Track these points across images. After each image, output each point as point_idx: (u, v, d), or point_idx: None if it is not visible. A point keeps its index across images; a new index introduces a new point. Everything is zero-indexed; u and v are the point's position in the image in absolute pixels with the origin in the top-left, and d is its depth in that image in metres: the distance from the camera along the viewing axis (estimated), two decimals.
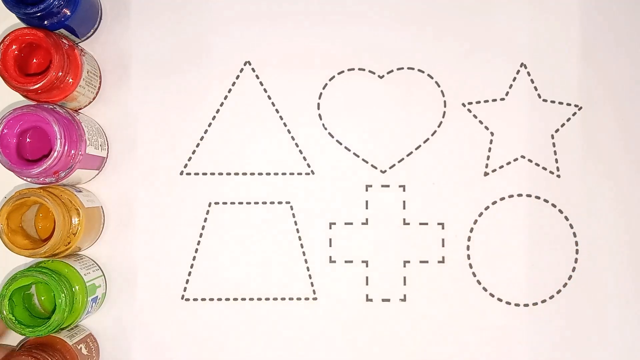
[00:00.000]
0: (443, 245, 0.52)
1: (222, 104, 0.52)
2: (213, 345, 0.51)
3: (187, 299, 0.51)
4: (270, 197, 0.51)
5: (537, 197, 0.52)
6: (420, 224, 0.52)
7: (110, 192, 0.51)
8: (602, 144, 0.52)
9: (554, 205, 0.52)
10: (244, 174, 0.52)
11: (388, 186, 0.52)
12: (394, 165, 0.52)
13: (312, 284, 0.51)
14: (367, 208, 0.51)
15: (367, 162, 0.52)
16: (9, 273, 0.50)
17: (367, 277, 0.51)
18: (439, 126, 0.52)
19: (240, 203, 0.51)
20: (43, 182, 0.47)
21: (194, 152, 0.52)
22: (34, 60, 0.48)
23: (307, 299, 0.51)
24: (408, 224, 0.51)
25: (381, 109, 0.52)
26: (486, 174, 0.52)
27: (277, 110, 0.52)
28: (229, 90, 0.52)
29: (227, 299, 0.51)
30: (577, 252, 0.51)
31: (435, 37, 0.52)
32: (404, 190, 0.52)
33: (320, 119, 0.52)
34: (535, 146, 0.52)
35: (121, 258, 0.51)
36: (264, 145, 0.52)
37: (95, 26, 0.51)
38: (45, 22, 0.46)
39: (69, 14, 0.47)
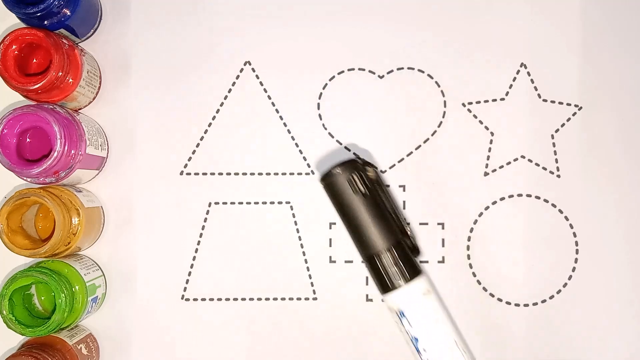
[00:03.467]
0: (443, 245, 0.51)
1: (222, 104, 0.52)
2: (213, 345, 0.51)
3: (187, 299, 0.51)
4: (270, 197, 0.51)
5: (537, 197, 0.52)
6: (420, 224, 0.51)
7: (110, 192, 0.51)
8: (602, 144, 0.52)
9: (554, 205, 0.51)
10: (244, 174, 0.52)
11: (388, 186, 0.52)
12: (394, 165, 0.52)
13: (312, 284, 0.51)
14: None
15: None
16: (9, 273, 0.50)
17: (367, 277, 0.51)
18: (439, 126, 0.52)
19: (240, 203, 0.51)
20: (43, 182, 0.47)
21: (194, 152, 0.52)
22: (34, 60, 0.48)
23: (307, 299, 0.51)
24: (408, 224, 0.51)
25: (381, 109, 0.52)
26: (486, 174, 0.52)
27: (277, 110, 0.52)
28: (229, 90, 0.52)
29: (227, 299, 0.51)
30: (577, 252, 0.51)
31: (435, 37, 0.52)
32: (404, 190, 0.52)
33: (320, 119, 0.52)
34: (535, 146, 0.52)
35: (121, 258, 0.51)
36: (264, 145, 0.51)
37: (95, 26, 0.51)
38: (45, 22, 0.46)
39: (69, 14, 0.47)
